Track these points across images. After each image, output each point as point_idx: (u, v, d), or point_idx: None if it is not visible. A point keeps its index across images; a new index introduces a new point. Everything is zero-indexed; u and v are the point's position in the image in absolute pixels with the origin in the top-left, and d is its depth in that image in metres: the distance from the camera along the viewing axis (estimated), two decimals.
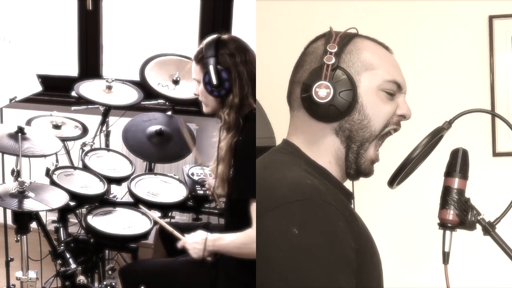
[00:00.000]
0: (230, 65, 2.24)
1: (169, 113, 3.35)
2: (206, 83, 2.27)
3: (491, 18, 3.01)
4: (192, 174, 2.98)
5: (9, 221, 2.62)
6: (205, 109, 2.40)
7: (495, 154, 3.00)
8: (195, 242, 2.34)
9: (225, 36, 2.30)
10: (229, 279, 2.31)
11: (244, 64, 2.24)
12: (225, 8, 3.81)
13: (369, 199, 2.83)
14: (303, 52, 1.52)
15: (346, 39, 1.46)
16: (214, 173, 2.38)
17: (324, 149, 1.46)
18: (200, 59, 2.29)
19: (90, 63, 4.09)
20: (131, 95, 3.34)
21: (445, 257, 1.58)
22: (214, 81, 2.24)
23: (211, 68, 2.24)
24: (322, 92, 1.40)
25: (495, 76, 2.98)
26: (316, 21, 3.14)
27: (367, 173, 1.49)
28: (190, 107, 3.61)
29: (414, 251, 3.09)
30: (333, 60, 1.42)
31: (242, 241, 2.20)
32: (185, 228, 2.51)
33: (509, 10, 3.00)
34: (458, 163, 1.57)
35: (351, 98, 1.41)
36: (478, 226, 1.57)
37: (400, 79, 1.47)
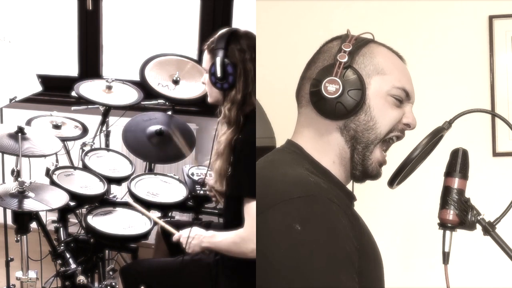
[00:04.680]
0: (238, 60, 2.23)
1: (169, 113, 3.35)
2: (211, 74, 2.26)
3: (491, 18, 3.01)
4: (192, 174, 2.99)
5: (9, 221, 2.62)
6: (208, 99, 2.39)
7: (495, 154, 3.00)
8: (190, 237, 2.37)
9: (241, 31, 2.29)
10: (229, 278, 2.32)
11: (254, 62, 2.24)
12: (225, 8, 3.83)
13: (369, 199, 2.84)
14: (317, 51, 1.53)
15: (362, 42, 1.48)
16: (212, 168, 2.38)
17: (328, 147, 1.47)
18: (212, 49, 2.29)
19: (90, 63, 4.10)
20: (131, 95, 3.35)
21: (445, 257, 1.58)
22: (219, 73, 2.23)
23: (218, 60, 2.23)
24: (331, 87, 1.41)
25: (495, 76, 2.99)
26: (315, 21, 3.14)
27: (375, 175, 1.50)
28: (190, 107, 3.66)
29: (414, 251, 3.10)
30: (346, 59, 1.43)
31: (232, 240, 2.23)
32: (185, 226, 2.52)
33: (509, 10, 3.00)
34: (458, 163, 1.57)
35: (359, 98, 1.42)
36: (478, 226, 1.57)
37: (409, 88, 1.49)
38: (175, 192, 2.93)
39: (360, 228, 1.41)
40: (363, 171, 1.48)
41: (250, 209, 2.16)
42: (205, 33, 3.77)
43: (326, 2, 3.21)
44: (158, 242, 2.80)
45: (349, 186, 1.54)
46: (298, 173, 1.39)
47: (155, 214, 2.80)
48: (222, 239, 2.29)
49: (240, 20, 3.73)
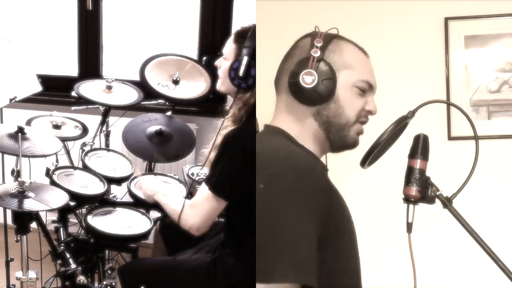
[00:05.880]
0: None
1: (169, 113, 3.53)
2: (233, 68, 2.34)
3: (446, 19, 3.55)
4: (192, 174, 3.13)
5: (9, 221, 2.75)
6: (219, 86, 2.46)
7: (450, 138, 3.54)
8: (148, 188, 2.78)
9: None
10: (227, 277, 2.49)
11: None
12: (225, 8, 4.00)
13: (344, 178, 3.13)
14: (292, 46, 1.86)
15: (329, 37, 1.80)
16: (207, 158, 2.52)
17: (304, 130, 1.78)
18: (240, 40, 2.34)
19: (90, 63, 4.27)
20: (131, 95, 3.52)
21: (409, 227, 1.95)
22: (241, 73, 2.32)
23: (245, 60, 2.31)
24: (308, 79, 1.73)
25: (450, 71, 3.52)
26: (316, 21, 3.39)
27: (352, 145, 1.80)
28: (190, 107, 3.82)
29: (382, 224, 3.53)
30: (319, 53, 1.75)
31: (177, 213, 2.49)
32: None
33: (463, 13, 3.50)
34: (420, 147, 1.94)
35: (331, 86, 1.74)
36: (437, 201, 1.93)
37: (372, 81, 1.81)
38: (175, 192, 3.06)
39: (340, 207, 1.69)
40: (341, 146, 1.80)
41: (202, 193, 2.42)
42: (205, 33, 3.99)
43: (326, 2, 3.51)
44: (156, 241, 2.96)
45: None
46: (280, 142, 1.71)
47: (157, 214, 2.96)
48: (170, 204, 2.58)
49: (240, 20, 3.62)
